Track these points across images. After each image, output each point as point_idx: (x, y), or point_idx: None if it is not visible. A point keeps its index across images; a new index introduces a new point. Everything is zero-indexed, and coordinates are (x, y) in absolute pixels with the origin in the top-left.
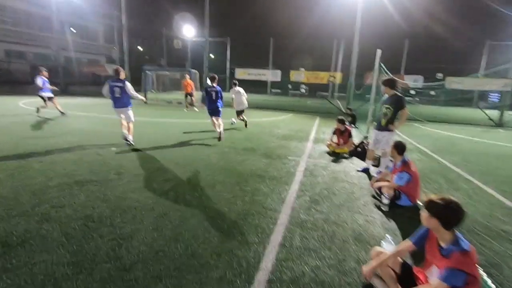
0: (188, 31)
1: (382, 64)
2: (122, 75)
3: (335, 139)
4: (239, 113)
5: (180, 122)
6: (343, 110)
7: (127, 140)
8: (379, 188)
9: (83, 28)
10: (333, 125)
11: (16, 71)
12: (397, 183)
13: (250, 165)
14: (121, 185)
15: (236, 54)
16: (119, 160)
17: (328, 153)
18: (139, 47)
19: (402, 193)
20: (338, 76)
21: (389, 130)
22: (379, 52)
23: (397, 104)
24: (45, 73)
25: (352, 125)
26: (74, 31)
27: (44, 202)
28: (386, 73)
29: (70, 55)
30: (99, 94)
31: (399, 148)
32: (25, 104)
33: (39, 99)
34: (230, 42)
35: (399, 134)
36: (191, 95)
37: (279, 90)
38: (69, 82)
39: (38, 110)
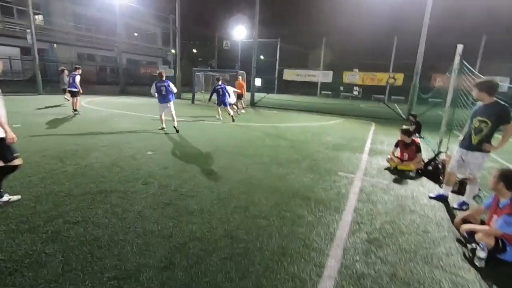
0: (238, 32)
1: (465, 63)
2: (164, 76)
3: (398, 152)
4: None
5: (220, 124)
6: (403, 116)
7: (175, 128)
8: (471, 233)
9: (144, 32)
10: (392, 133)
11: (86, 72)
12: (501, 229)
13: (292, 181)
14: (144, 198)
15: (286, 54)
16: (151, 166)
17: (389, 169)
18: (194, 50)
19: (508, 244)
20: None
21: (483, 151)
22: (460, 47)
23: (499, 116)
24: (80, 71)
25: (417, 135)
26: (136, 34)
27: (60, 215)
28: (472, 73)
29: (131, 58)
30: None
31: (510, 180)
32: (86, 103)
33: (99, 98)
34: (280, 43)
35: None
36: (240, 97)
37: (329, 92)
38: (128, 83)
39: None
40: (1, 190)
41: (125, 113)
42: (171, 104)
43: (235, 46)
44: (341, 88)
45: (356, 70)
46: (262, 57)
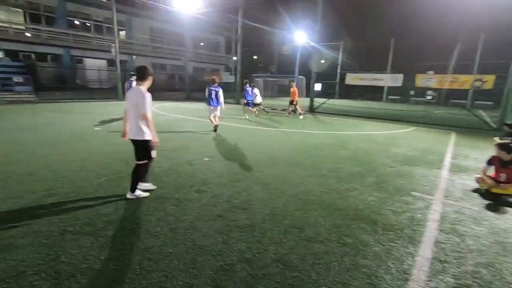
0: (299, 36)
1: None
2: (217, 82)
3: (491, 171)
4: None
5: (276, 132)
6: (493, 126)
7: (215, 128)
8: None
9: (209, 41)
10: (479, 145)
11: (158, 80)
12: None
13: (355, 199)
14: (197, 208)
15: (349, 58)
16: (206, 173)
17: (480, 192)
18: (254, 56)
19: None
20: (490, 80)
21: None
22: None
23: None
24: (134, 77)
25: None
26: (202, 44)
27: (119, 219)
28: None
29: (197, 66)
30: None
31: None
32: (156, 108)
33: (167, 104)
34: (343, 46)
35: None
36: (293, 102)
37: (397, 97)
38: (193, 89)
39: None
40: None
41: (188, 118)
42: (219, 109)
43: (295, 51)
44: (411, 92)
45: (431, 72)
46: (322, 61)
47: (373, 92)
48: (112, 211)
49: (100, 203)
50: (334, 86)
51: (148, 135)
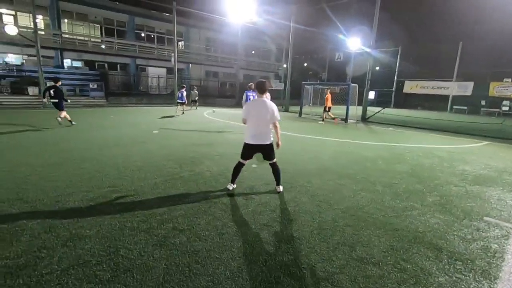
0: (352, 43)
1: None
2: (253, 88)
3: None
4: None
5: (324, 141)
6: None
7: None
8: None
9: (260, 49)
10: None
11: (210, 87)
12: None
13: (414, 220)
14: (244, 215)
15: (407, 64)
16: (253, 180)
17: None
18: (304, 64)
19: None
20: None
21: None
22: None
23: None
24: (185, 88)
25: None
26: (253, 52)
27: (171, 219)
28: None
29: (247, 73)
30: None
31: None
32: (208, 114)
33: (219, 110)
34: (401, 52)
35: None
36: (326, 109)
37: (464, 107)
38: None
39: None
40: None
41: (237, 124)
42: None
43: (347, 57)
44: (483, 102)
45: (509, 80)
46: (377, 68)
47: (434, 101)
48: (165, 211)
49: (155, 202)
50: (390, 95)
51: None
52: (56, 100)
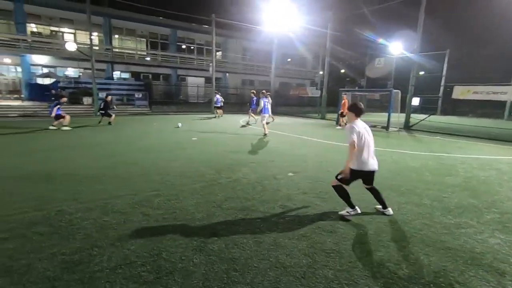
0: (394, 47)
1: None
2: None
3: None
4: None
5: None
6: None
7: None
8: None
9: (296, 57)
10: None
11: (247, 96)
12: None
13: (470, 239)
14: (281, 224)
15: (456, 68)
16: (290, 189)
17: None
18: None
19: None
20: None
21: None
22: None
23: None
24: (220, 94)
25: None
26: (289, 59)
27: (209, 225)
28: None
29: (283, 81)
30: (301, 114)
31: None
32: (244, 121)
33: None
34: (448, 55)
35: None
36: (344, 114)
37: None
38: (278, 104)
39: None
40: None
41: (274, 132)
42: (267, 115)
43: (388, 62)
44: None
45: None
46: (421, 73)
47: (489, 108)
48: (204, 216)
49: (194, 207)
50: (436, 101)
51: None
52: (103, 112)
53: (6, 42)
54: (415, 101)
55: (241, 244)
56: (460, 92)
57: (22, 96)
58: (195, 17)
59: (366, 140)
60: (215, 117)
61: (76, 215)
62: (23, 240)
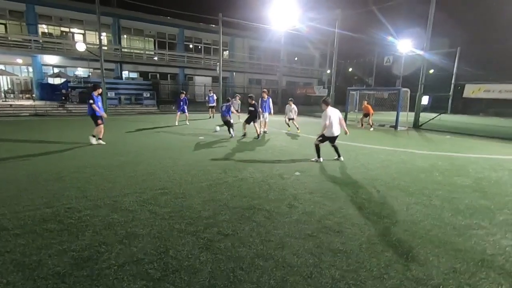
0: (402, 45)
1: None
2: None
3: None
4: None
5: (372, 149)
6: None
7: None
8: None
9: (303, 56)
10: None
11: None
12: None
13: (481, 241)
14: (287, 223)
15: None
16: (297, 188)
17: None
18: (349, 69)
19: None
20: None
21: None
22: None
23: None
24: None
25: None
26: (296, 59)
27: (216, 224)
28: None
29: (290, 80)
30: (308, 113)
31: None
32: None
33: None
34: (459, 53)
35: None
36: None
37: None
38: (285, 102)
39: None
40: None
41: (280, 131)
42: (266, 114)
43: (397, 61)
44: None
45: None
46: (431, 71)
47: (502, 107)
48: (210, 215)
49: (201, 206)
50: (446, 100)
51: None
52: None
53: (18, 43)
54: (425, 100)
55: (247, 243)
56: (472, 91)
57: (34, 95)
58: (203, 16)
59: (333, 119)
60: (210, 117)
61: (85, 212)
62: (34, 236)
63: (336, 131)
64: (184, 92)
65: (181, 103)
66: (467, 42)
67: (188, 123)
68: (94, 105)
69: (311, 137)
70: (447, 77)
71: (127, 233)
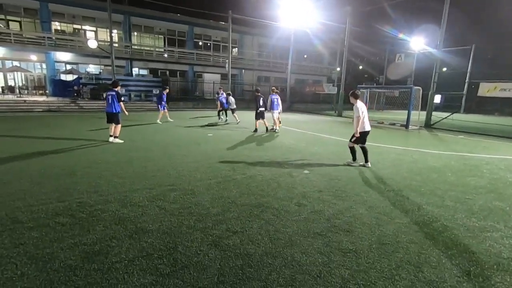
0: (415, 43)
1: None
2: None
3: None
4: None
5: (382, 148)
6: None
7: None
8: None
9: (312, 53)
10: None
11: (262, 92)
12: None
13: (496, 244)
14: (296, 222)
15: (482, 64)
16: (305, 187)
17: None
18: (360, 66)
19: None
20: None
21: None
22: None
23: None
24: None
25: None
26: (305, 56)
27: (224, 221)
28: None
29: (299, 77)
30: (317, 112)
31: None
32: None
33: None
34: (474, 51)
35: None
36: None
37: None
38: (294, 100)
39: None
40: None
41: (288, 129)
42: (276, 112)
43: (409, 58)
44: None
45: None
46: (444, 69)
47: None
48: (219, 211)
49: (210, 203)
50: (460, 99)
51: None
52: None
53: (32, 40)
54: (437, 99)
55: (256, 241)
56: (487, 89)
57: (47, 92)
58: (212, 13)
59: (365, 114)
60: (225, 120)
61: (96, 207)
62: (47, 230)
63: (367, 125)
64: (168, 88)
65: (165, 98)
66: (482, 39)
67: (172, 120)
68: (122, 104)
69: (319, 135)
70: (460, 76)
71: (137, 228)
